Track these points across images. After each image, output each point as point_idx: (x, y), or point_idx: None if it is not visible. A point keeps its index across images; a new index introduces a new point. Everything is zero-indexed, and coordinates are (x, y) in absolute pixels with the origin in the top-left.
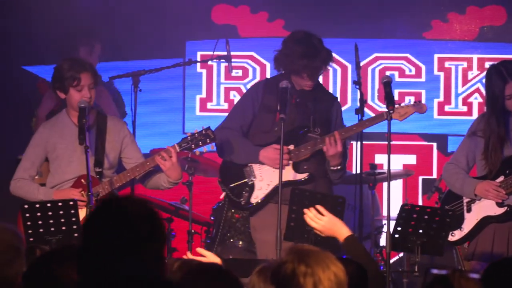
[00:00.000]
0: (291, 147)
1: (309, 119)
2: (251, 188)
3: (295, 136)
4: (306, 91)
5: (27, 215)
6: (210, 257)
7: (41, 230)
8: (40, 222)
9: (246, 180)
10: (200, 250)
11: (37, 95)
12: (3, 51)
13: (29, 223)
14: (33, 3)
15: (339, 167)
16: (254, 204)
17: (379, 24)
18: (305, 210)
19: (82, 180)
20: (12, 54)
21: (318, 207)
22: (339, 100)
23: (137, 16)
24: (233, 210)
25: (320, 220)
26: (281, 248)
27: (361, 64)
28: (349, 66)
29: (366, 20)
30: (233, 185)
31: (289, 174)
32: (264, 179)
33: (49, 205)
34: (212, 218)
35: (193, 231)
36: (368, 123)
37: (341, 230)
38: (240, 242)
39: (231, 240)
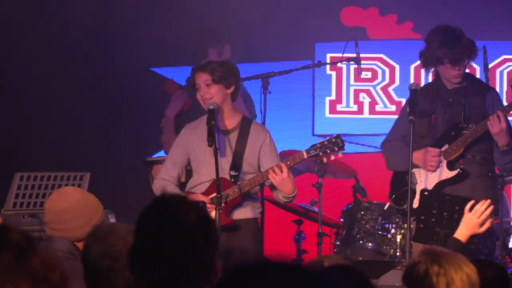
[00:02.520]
0: (444, 148)
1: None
2: (413, 194)
3: (448, 137)
4: (458, 88)
5: None
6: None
7: None
8: None
9: (412, 186)
10: None
11: (166, 96)
12: (131, 54)
13: None
14: (162, 5)
15: (506, 148)
16: (415, 208)
17: (509, 25)
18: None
19: None
20: (140, 56)
21: None
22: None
23: (267, 18)
24: (362, 212)
25: None
26: (411, 249)
27: (489, 66)
28: (478, 68)
29: (495, 22)
30: (396, 194)
31: (443, 173)
32: (423, 182)
33: None
34: (341, 220)
35: (322, 232)
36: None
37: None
38: (370, 244)
39: (361, 242)
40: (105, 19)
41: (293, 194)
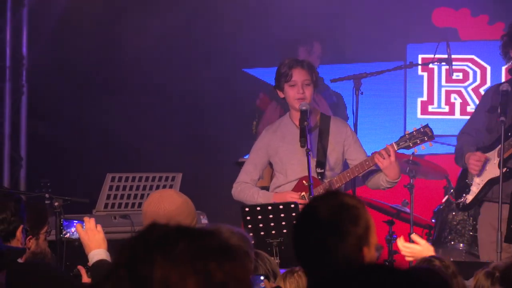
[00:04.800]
0: (498, 148)
1: None
2: (468, 188)
3: (506, 136)
4: None
5: (248, 218)
6: (424, 246)
7: (262, 233)
8: (261, 225)
9: (467, 180)
10: (415, 237)
11: (256, 97)
12: (223, 55)
13: (250, 226)
14: (253, 7)
15: None
16: (467, 203)
17: None
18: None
19: (304, 182)
20: (232, 57)
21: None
22: None
23: (359, 19)
24: (454, 213)
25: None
26: (502, 250)
27: None
28: None
29: None
30: (456, 186)
31: (493, 171)
32: (479, 177)
33: (270, 208)
34: (433, 220)
35: (414, 233)
36: None
37: None
38: (461, 245)
39: (452, 242)
40: (197, 20)
41: (397, 179)
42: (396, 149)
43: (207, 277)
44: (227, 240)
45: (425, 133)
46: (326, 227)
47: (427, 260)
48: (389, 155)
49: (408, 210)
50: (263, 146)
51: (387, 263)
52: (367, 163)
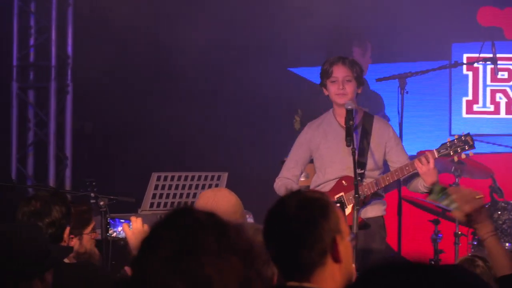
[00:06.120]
0: None
1: None
2: None
3: None
4: None
5: None
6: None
7: None
8: None
9: None
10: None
11: (302, 96)
12: (269, 54)
13: None
14: (298, 7)
15: None
16: None
17: None
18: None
19: (343, 182)
20: (277, 57)
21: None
22: None
23: (404, 19)
24: (499, 212)
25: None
26: None
27: None
28: None
29: None
30: None
31: None
32: None
33: None
34: None
35: (459, 232)
36: None
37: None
38: (507, 244)
39: None
40: (243, 21)
41: None
42: (436, 156)
43: (233, 272)
44: (253, 237)
45: (466, 142)
46: (296, 222)
47: (470, 260)
48: (428, 162)
49: None
50: (304, 141)
51: (432, 262)
52: (407, 168)
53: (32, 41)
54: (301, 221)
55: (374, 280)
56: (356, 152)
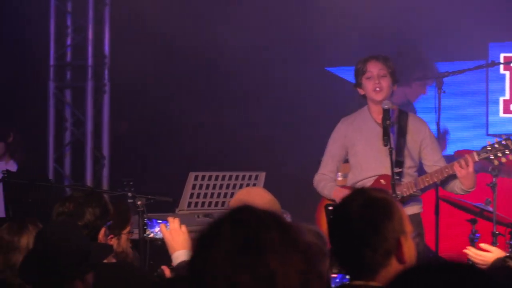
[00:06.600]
0: None
1: None
2: None
3: None
4: None
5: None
6: (496, 252)
7: None
8: None
9: None
10: (484, 246)
11: (339, 95)
12: (306, 54)
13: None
14: (335, 6)
15: None
16: None
17: None
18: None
19: (381, 180)
20: (315, 56)
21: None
22: None
23: (441, 18)
24: None
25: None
26: None
27: None
28: None
29: None
30: None
31: None
32: None
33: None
34: None
35: (497, 232)
36: None
37: None
38: None
39: None
40: (279, 20)
41: (472, 189)
42: (476, 160)
43: (295, 269)
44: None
45: (507, 146)
46: (360, 222)
47: (502, 260)
48: (468, 166)
49: (491, 208)
50: (339, 137)
51: (470, 262)
52: (446, 170)
53: (69, 41)
54: (365, 221)
55: (415, 280)
56: (394, 151)
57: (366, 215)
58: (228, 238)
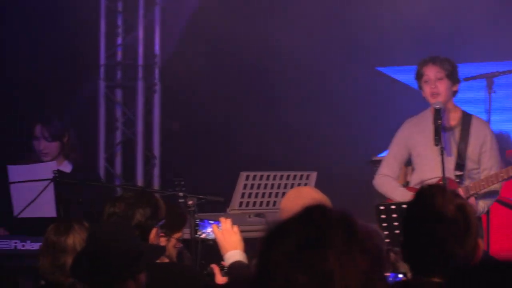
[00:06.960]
0: None
1: None
2: None
3: None
4: None
5: (383, 216)
6: None
7: (396, 231)
8: (395, 224)
9: None
10: None
11: (391, 96)
12: (355, 53)
13: (385, 224)
14: (386, 6)
15: None
16: None
17: None
18: None
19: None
20: (366, 56)
21: None
22: None
23: (491, 17)
24: None
25: None
26: None
27: None
28: None
29: None
30: None
31: None
32: None
33: (404, 206)
34: None
35: None
36: None
37: None
38: None
39: None
40: (330, 20)
41: None
42: None
43: (357, 270)
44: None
45: None
46: (457, 225)
47: None
48: None
49: None
50: (402, 139)
51: None
52: (501, 174)
53: (119, 40)
54: (459, 223)
55: (468, 279)
56: (454, 152)
57: (460, 218)
58: (289, 237)
